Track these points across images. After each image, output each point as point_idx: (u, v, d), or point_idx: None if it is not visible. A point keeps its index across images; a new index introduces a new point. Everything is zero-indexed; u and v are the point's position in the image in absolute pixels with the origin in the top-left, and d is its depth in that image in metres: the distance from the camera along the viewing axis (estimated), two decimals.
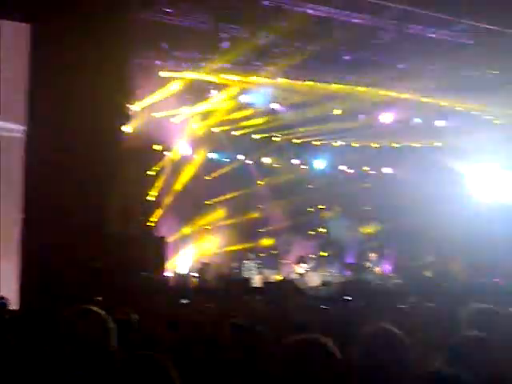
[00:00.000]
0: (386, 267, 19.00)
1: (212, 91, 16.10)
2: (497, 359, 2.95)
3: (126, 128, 14.90)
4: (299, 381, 2.17)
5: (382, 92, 15.54)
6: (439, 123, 17.57)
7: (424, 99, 15.83)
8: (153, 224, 17.24)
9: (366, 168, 21.61)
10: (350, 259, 19.94)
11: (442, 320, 5.01)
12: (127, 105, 14.52)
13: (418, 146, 19.12)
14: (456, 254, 16.53)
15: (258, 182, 21.24)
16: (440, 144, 18.42)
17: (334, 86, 15.37)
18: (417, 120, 17.69)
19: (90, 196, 12.13)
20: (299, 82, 15.19)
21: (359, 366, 2.78)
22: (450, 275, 16.29)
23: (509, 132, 15.53)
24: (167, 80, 14.87)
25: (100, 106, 11.48)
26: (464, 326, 3.68)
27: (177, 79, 14.91)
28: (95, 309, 2.19)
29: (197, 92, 16.17)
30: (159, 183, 18.09)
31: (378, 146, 19.86)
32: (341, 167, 21.42)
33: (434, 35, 13.13)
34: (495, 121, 16.32)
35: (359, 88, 15.45)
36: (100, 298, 6.82)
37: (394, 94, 15.54)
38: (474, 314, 3.82)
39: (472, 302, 4.58)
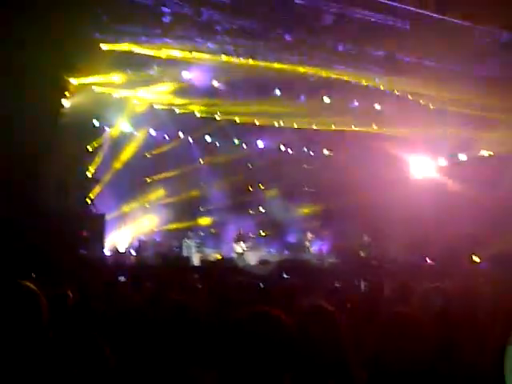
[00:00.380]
0: (323, 247, 19.37)
1: (155, 67, 15.86)
2: (427, 332, 3.09)
3: (66, 102, 14.53)
4: (248, 352, 2.19)
5: (324, 73, 15.69)
6: (378, 107, 17.91)
7: (364, 82, 16.10)
8: (91, 201, 16.95)
9: (306, 149, 21.82)
10: (288, 239, 20.23)
11: (374, 297, 5.18)
12: (67, 79, 14.16)
13: (358, 128, 19.40)
14: (392, 234, 16.96)
15: (200, 160, 21.17)
16: (378, 127, 18.74)
17: (276, 66, 15.40)
18: (356, 103, 17.98)
19: (26, 171, 11.83)
20: (241, 60, 15.13)
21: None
22: (385, 255, 16.80)
23: (442, 117, 15.95)
24: (109, 54, 14.53)
25: (39, 79, 11.17)
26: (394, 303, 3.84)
27: (119, 53, 14.58)
28: (27, 284, 2.17)
29: (138, 67, 15.88)
30: (99, 159, 17.74)
31: (318, 127, 20.04)
32: (282, 148, 21.54)
33: (372, 19, 13.32)
34: (431, 105, 16.72)
35: (301, 68, 15.54)
36: (34, 275, 6.70)
37: (334, 75, 15.71)
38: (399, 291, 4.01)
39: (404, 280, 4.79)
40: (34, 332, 2.03)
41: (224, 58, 15.03)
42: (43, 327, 2.08)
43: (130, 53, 14.58)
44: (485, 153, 17.07)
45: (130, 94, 17.04)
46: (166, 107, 18.42)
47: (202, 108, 18.36)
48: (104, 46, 14.16)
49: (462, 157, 17.78)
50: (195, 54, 14.87)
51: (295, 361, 2.28)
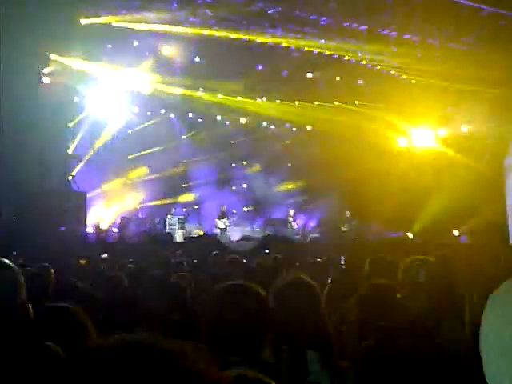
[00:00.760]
0: (306, 222, 19.49)
1: (135, 42, 15.66)
2: (406, 303, 3.15)
3: (45, 78, 14.33)
4: (227, 325, 2.22)
5: (307, 47, 15.59)
6: (360, 82, 17.86)
7: (347, 57, 16.05)
8: (73, 178, 16.81)
9: (289, 125, 21.74)
10: (271, 215, 20.29)
11: (355, 271, 5.24)
12: (47, 54, 13.94)
13: (340, 103, 19.32)
14: (374, 209, 17.05)
15: (183, 136, 21.07)
16: (361, 102, 18.68)
17: (259, 40, 15.27)
18: (338, 78, 17.92)
19: (5, 148, 11.69)
20: (223, 35, 14.96)
21: (273, 312, 2.88)
22: (365, 230, 16.95)
23: (422, 91, 15.94)
24: (89, 29, 14.28)
25: (16, 54, 10.99)
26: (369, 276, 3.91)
27: (99, 29, 14.35)
28: (5, 261, 2.16)
29: (119, 43, 15.64)
30: (80, 136, 17.55)
31: (301, 103, 19.94)
32: (264, 124, 21.44)
33: None
34: (412, 80, 16.71)
35: (284, 42, 15.42)
36: (14, 252, 6.68)
37: (317, 49, 15.64)
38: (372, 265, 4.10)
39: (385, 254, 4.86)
40: (11, 308, 2.03)
41: (206, 32, 14.86)
42: (22, 303, 2.08)
43: (111, 28, 14.35)
44: (465, 128, 17.14)
45: (110, 70, 16.79)
46: (148, 84, 18.18)
47: (184, 82, 18.15)
48: (83, 21, 13.94)
49: (443, 132, 17.85)
50: (176, 29, 14.68)
51: (271, 332, 2.32)
